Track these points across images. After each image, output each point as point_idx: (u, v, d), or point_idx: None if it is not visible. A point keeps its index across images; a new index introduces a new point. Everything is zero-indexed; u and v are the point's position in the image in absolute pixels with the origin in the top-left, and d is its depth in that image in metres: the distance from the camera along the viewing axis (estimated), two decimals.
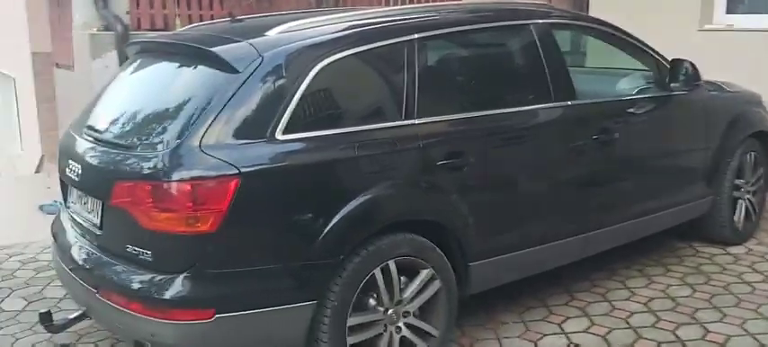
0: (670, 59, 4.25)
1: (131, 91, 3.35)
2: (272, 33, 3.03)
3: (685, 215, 4.45)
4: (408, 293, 3.10)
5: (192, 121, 2.72)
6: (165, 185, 2.64)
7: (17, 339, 3.83)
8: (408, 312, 3.12)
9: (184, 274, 2.65)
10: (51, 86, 7.73)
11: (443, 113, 3.25)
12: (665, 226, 4.39)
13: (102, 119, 3.24)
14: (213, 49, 2.90)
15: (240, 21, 3.56)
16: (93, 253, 2.99)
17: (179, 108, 2.86)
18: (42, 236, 5.58)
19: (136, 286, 2.73)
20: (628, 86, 4.30)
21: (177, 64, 3.15)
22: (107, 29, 5.66)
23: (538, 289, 4.03)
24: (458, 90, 3.42)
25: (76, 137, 3.23)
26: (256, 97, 2.79)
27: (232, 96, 2.75)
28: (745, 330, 3.59)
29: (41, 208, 6.58)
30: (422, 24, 3.30)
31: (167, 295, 2.65)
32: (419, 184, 3.10)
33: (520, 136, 3.52)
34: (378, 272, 2.97)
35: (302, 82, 2.86)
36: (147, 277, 2.71)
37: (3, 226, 6.12)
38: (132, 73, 3.42)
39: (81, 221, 3.13)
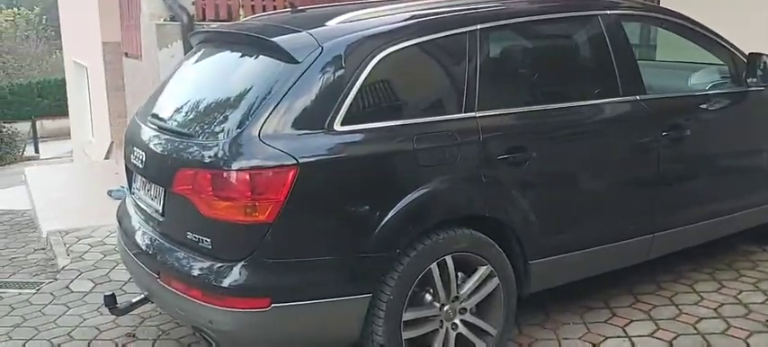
0: (747, 53, 4.04)
1: (194, 80, 3.39)
2: (332, 23, 3.01)
3: (760, 217, 4.22)
4: (465, 289, 3.04)
5: (251, 111, 2.73)
6: (225, 174, 2.66)
7: (84, 319, 3.96)
8: (465, 309, 3.06)
9: (242, 263, 2.67)
10: (120, 75, 7.96)
11: (505, 107, 3.17)
12: (739, 228, 4.18)
13: (165, 107, 3.29)
14: (273, 39, 2.90)
15: (301, 11, 3.56)
16: (155, 239, 3.05)
17: (239, 97, 2.88)
18: (110, 221, 5.76)
19: (195, 272, 2.76)
20: (701, 81, 4.12)
21: (238, 54, 3.17)
22: (173, 19, 5.77)
23: (600, 290, 3.91)
24: (520, 83, 3.32)
25: (141, 125, 3.29)
26: (315, 88, 2.78)
27: (291, 86, 2.74)
28: None
29: (110, 193, 6.79)
30: (485, 15, 3.22)
31: (225, 282, 2.67)
32: (478, 179, 3.03)
33: (584, 131, 3.41)
34: (434, 267, 2.92)
35: (362, 73, 2.83)
36: (206, 264, 2.74)
37: (75, 210, 6.35)
38: (195, 63, 3.47)
39: (144, 207, 3.19)
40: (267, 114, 2.70)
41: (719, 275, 4.21)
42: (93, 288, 4.42)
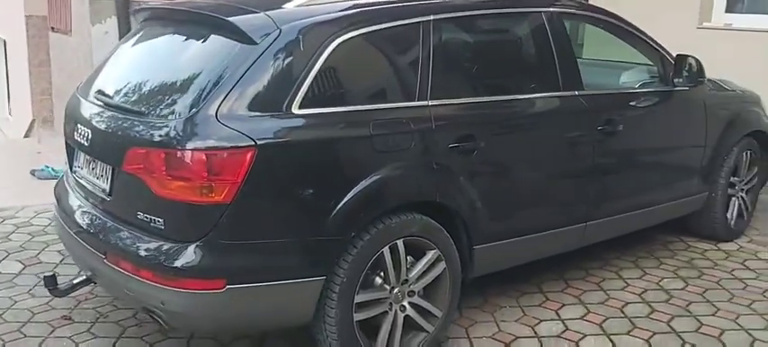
0: (675, 55, 4.29)
1: (143, 58, 3.33)
2: (289, 6, 3.02)
3: (681, 210, 4.51)
4: (414, 273, 3.12)
5: (208, 91, 2.71)
6: (180, 153, 2.63)
7: (15, 302, 3.82)
8: (413, 292, 3.14)
9: (197, 243, 2.65)
10: (45, 50, 7.64)
11: (455, 96, 3.26)
12: (661, 219, 4.45)
13: (113, 84, 3.21)
14: (230, 19, 2.88)
15: None
16: (100, 219, 2.98)
17: (194, 77, 2.85)
18: (36, 201, 5.55)
19: (146, 253, 2.72)
20: (631, 80, 4.35)
21: (191, 32, 3.13)
22: None
23: (534, 275, 4.08)
24: (469, 74, 3.43)
25: (85, 101, 3.20)
26: (273, 70, 2.79)
27: (249, 68, 2.74)
28: (739, 325, 3.66)
29: (33, 172, 6.53)
30: (438, 6, 3.30)
31: (179, 263, 2.65)
32: (430, 166, 3.11)
33: (527, 123, 3.56)
34: (386, 251, 2.99)
35: (319, 57, 2.86)
36: (158, 244, 2.71)
37: None
38: (142, 39, 3.40)
39: (88, 186, 3.12)
40: (224, 94, 2.69)
41: (642, 263, 4.47)
42: (23, 270, 4.26)
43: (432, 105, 3.14)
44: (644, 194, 4.16)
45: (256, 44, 2.79)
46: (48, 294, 3.85)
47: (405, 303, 3.13)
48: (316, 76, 2.84)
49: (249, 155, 2.63)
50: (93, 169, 3.08)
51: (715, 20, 6.76)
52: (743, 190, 4.92)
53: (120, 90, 3.12)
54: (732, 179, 4.78)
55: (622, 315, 3.77)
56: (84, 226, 3.05)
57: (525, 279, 4.05)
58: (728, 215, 4.82)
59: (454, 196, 3.20)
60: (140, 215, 2.76)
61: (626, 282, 4.18)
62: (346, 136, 2.91)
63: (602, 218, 3.91)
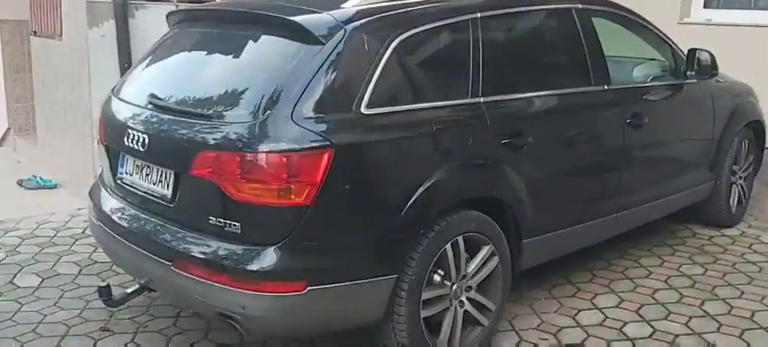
0: (687, 49, 4.45)
1: (193, 60, 3.25)
2: (349, 5, 3.01)
3: (693, 198, 4.68)
4: (471, 268, 3.16)
5: (280, 92, 2.68)
6: (259, 156, 2.60)
7: (44, 316, 3.69)
8: (470, 287, 3.18)
9: (277, 246, 2.62)
10: (21, 55, 7.36)
11: (503, 93, 3.31)
12: (677, 208, 4.61)
13: (167, 87, 3.13)
14: (296, 19, 2.85)
15: None
16: (162, 225, 2.91)
17: (261, 78, 2.82)
18: (32, 212, 5.37)
19: (223, 258, 2.67)
20: (644, 73, 4.47)
21: (247, 33, 3.06)
22: None
23: (560, 267, 4.14)
24: (513, 70, 3.47)
25: (133, 105, 3.12)
26: (342, 70, 2.78)
27: (319, 68, 2.72)
28: (766, 305, 3.83)
29: (20, 183, 6.29)
30: (483, 4, 3.34)
31: (260, 267, 2.61)
32: (486, 162, 3.16)
33: (567, 118, 3.63)
34: (448, 247, 3.01)
35: (383, 56, 2.86)
36: (235, 248, 2.67)
37: None
38: (186, 41, 3.33)
39: (140, 192, 3.03)
40: (298, 95, 2.66)
41: (657, 251, 4.62)
42: (42, 283, 4.11)
43: (483, 102, 3.18)
44: (665, 184, 4.30)
45: (323, 44, 2.77)
46: (76, 306, 3.77)
47: (463, 298, 3.16)
48: (380, 75, 2.84)
49: (326, 156, 2.61)
50: (147, 175, 3.00)
51: (694, 15, 7.00)
52: (741, 177, 5.13)
53: (178, 93, 3.04)
54: (733, 167, 4.98)
55: (655, 302, 3.88)
56: (142, 234, 2.97)
57: (553, 271, 4.12)
58: (731, 202, 5.02)
59: (507, 191, 3.25)
60: (213, 219, 2.70)
61: (648, 270, 4.31)
62: (412, 134, 2.92)
63: (631, 209, 4.04)
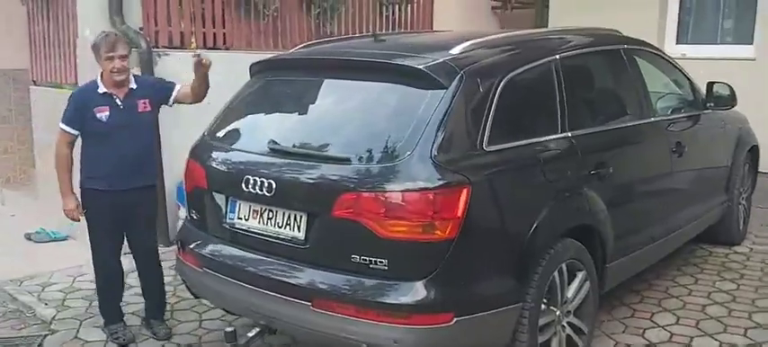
0: (707, 82, 4.85)
1: (310, 106, 3.33)
2: (456, 51, 3.17)
3: (714, 217, 5.05)
4: (570, 294, 3.35)
5: (416, 134, 2.82)
6: (406, 195, 2.72)
7: None
8: (569, 311, 3.36)
9: (425, 279, 2.73)
10: (6, 106, 7.15)
11: (587, 126, 3.56)
12: (705, 226, 4.96)
13: (286, 134, 3.19)
14: (421, 67, 3.00)
15: (383, 40, 3.68)
16: (295, 267, 2.96)
17: (393, 121, 2.95)
18: (53, 266, 5.19)
19: (372, 294, 2.76)
20: (673, 105, 4.82)
21: (357, 79, 3.19)
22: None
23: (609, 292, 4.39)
24: (589, 105, 3.73)
25: (249, 152, 3.18)
26: (465, 111, 2.95)
27: (447, 110, 2.88)
28: None
29: (28, 237, 6.07)
30: (562, 46, 3.59)
31: (411, 301, 2.72)
32: (581, 192, 3.37)
33: (634, 148, 3.93)
34: (556, 274, 3.20)
35: (494, 96, 3.05)
36: (383, 284, 2.76)
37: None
38: (286, 89, 3.43)
39: (263, 236, 3.07)
40: (433, 136, 2.81)
41: (686, 270, 4.94)
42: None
43: (572, 136, 3.41)
44: (699, 206, 4.66)
45: (446, 89, 2.93)
46: None
47: (564, 323, 3.34)
48: (494, 115, 3.03)
49: (465, 192, 2.76)
50: (269, 219, 3.05)
51: (669, 49, 7.52)
52: (743, 198, 5.56)
53: (303, 139, 3.12)
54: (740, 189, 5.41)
55: (708, 317, 4.17)
56: (269, 277, 3.01)
57: (603, 295, 4.37)
58: (739, 221, 5.44)
59: (598, 219, 3.47)
60: (356, 257, 2.79)
61: (687, 289, 4.61)
62: (527, 167, 3.12)
63: (678, 230, 4.35)
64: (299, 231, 2.96)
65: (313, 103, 3.35)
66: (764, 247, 5.45)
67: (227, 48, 6.08)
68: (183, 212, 3.66)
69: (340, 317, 2.80)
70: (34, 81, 6.51)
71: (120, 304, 4.05)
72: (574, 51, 3.71)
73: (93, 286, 4.78)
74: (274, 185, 2.99)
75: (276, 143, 3.11)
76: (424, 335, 2.74)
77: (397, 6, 7.38)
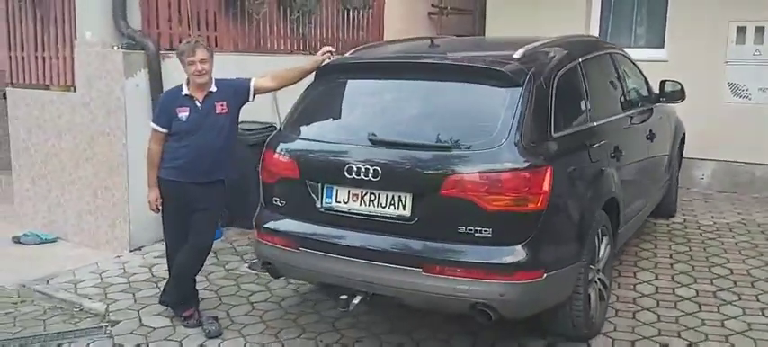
0: (660, 80, 5.78)
1: (397, 102, 3.80)
2: (519, 54, 3.73)
3: (662, 194, 6.01)
4: (600, 255, 4.07)
5: (507, 125, 3.40)
6: (505, 175, 3.30)
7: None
8: (600, 269, 4.08)
9: (523, 243, 3.32)
10: None
11: (603, 117, 4.29)
12: (659, 201, 5.90)
13: (385, 127, 3.64)
14: (500, 69, 3.58)
15: (437, 45, 4.25)
16: (402, 240, 3.45)
17: (483, 114, 3.54)
18: (65, 266, 5.26)
19: (481, 257, 3.31)
20: (637, 99, 5.66)
21: (444, 80, 3.75)
22: (129, 47, 5.48)
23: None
24: (603, 99, 4.50)
25: (347, 143, 3.61)
26: (536, 104, 3.55)
27: (526, 104, 3.48)
28: (753, 265, 5.19)
29: (17, 240, 6.02)
30: (578, 50, 4.31)
31: (514, 260, 3.30)
32: (609, 171, 4.10)
33: (631, 134, 4.75)
34: (595, 239, 3.90)
35: (552, 90, 3.70)
36: (489, 249, 3.31)
37: (10, 262, 5.49)
38: (373, 87, 3.95)
39: (367, 216, 3.52)
40: (519, 126, 3.40)
41: (645, 237, 5.84)
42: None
43: (596, 125, 4.14)
44: (658, 183, 5.59)
45: (521, 86, 3.54)
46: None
47: (597, 279, 4.05)
48: (554, 106, 3.68)
49: (549, 171, 3.38)
50: (371, 200, 3.51)
51: None
52: (675, 177, 6.61)
53: (403, 131, 3.58)
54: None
55: (678, 272, 5.04)
56: (379, 250, 3.47)
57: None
58: (675, 196, 6.47)
59: (618, 193, 4.21)
60: (462, 229, 3.32)
61: (652, 253, 5.48)
62: (580, 150, 3.80)
63: (650, 202, 5.25)
64: (405, 209, 3.45)
65: (402, 101, 3.81)
66: (693, 217, 6.52)
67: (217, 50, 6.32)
68: None
69: (451, 279, 3.32)
70: (12, 82, 6.40)
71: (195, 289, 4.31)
72: (589, 55, 4.44)
73: (125, 281, 4.97)
74: (380, 171, 3.45)
75: (375, 135, 3.58)
76: (523, 289, 3.33)
77: (357, 11, 7.94)
